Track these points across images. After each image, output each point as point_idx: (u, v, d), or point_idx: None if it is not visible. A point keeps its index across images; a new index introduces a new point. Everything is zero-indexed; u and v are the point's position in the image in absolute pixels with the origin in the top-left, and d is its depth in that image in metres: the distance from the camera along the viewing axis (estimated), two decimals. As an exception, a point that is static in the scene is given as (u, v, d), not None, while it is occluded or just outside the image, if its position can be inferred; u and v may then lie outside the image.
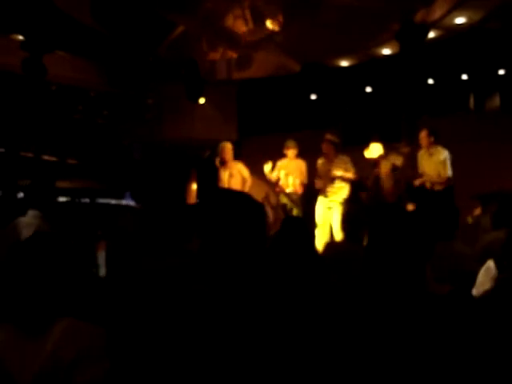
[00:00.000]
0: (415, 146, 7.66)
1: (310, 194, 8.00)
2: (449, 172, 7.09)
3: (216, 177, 7.98)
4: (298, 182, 7.92)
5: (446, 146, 7.84)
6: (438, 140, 7.30)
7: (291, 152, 8.02)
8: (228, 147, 7.99)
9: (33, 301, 1.72)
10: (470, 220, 7.20)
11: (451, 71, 9.40)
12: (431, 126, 7.48)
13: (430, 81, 9.61)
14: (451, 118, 9.04)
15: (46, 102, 9.85)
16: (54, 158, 10.83)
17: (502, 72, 8.98)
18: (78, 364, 1.61)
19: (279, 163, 8.07)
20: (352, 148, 8.52)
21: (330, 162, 7.74)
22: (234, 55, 9.16)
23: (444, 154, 7.14)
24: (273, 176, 7.97)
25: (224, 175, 7.94)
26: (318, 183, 7.74)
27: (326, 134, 7.97)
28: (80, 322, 1.72)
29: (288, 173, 7.95)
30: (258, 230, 1.60)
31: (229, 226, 1.57)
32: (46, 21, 7.51)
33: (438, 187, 7.11)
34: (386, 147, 7.94)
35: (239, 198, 1.69)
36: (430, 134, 7.27)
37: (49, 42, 7.80)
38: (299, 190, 7.94)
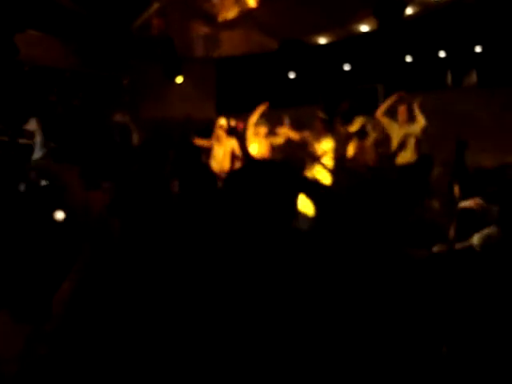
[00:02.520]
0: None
1: None
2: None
3: (199, 155, 7.95)
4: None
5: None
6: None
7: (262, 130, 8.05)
8: (220, 123, 7.95)
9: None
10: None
11: (428, 48, 9.42)
12: (408, 102, 7.57)
13: (408, 58, 9.62)
14: (429, 94, 9.07)
15: (20, 84, 9.64)
16: (29, 142, 10.64)
17: (478, 49, 9.02)
18: None
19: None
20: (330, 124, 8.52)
21: (316, 138, 7.79)
22: (211, 32, 9.07)
23: (422, 125, 7.26)
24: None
25: (218, 152, 7.92)
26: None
27: (317, 111, 7.99)
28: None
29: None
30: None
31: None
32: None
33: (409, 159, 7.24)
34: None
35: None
36: (408, 110, 7.36)
37: (20, 21, 7.61)
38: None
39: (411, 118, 7.37)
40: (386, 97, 9.17)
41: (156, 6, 8.20)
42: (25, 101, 9.82)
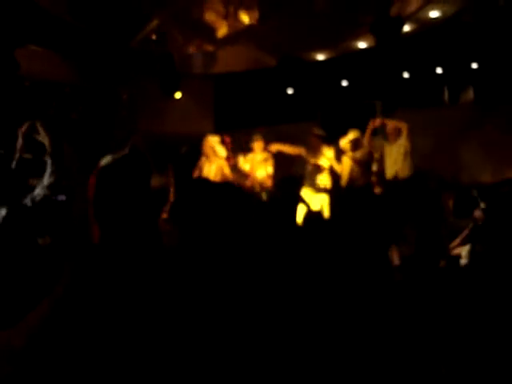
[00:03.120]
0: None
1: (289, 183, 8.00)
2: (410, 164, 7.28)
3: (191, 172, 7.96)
4: (264, 174, 7.97)
5: (420, 138, 8.02)
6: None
7: (257, 145, 8.07)
8: (209, 141, 7.96)
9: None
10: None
11: (426, 65, 9.49)
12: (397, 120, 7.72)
13: (405, 74, 9.68)
14: (426, 111, 9.12)
15: (20, 98, 9.67)
16: (28, 156, 10.65)
17: (475, 66, 9.08)
18: None
19: (247, 157, 8.12)
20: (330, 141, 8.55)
21: (313, 155, 7.82)
22: (209, 49, 9.13)
23: (406, 144, 7.34)
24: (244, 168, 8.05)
25: (207, 169, 7.93)
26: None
27: (312, 128, 8.03)
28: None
29: (254, 166, 8.03)
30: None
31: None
32: (18, 14, 7.37)
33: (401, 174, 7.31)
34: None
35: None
36: (396, 128, 7.49)
37: (21, 36, 7.66)
38: (267, 182, 7.97)
39: (399, 136, 7.47)
40: (383, 113, 9.24)
41: (155, 22, 8.27)
42: (24, 115, 9.84)
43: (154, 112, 10.16)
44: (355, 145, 7.68)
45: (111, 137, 10.39)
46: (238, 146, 8.29)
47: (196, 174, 7.90)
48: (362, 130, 7.89)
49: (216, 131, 10.85)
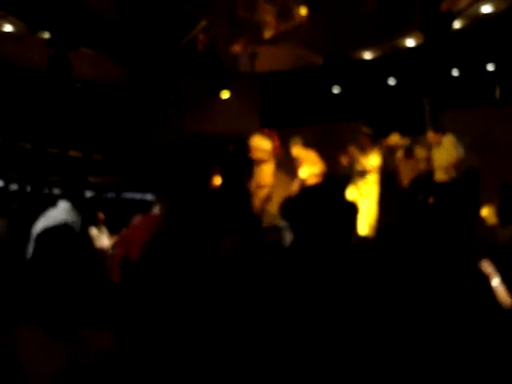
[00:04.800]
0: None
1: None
2: (461, 152, 7.14)
3: (242, 172, 8.01)
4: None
5: (470, 138, 7.86)
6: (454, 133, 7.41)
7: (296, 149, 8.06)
8: (254, 142, 8.01)
9: (57, 302, 1.71)
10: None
11: (476, 62, 9.23)
12: (437, 124, 7.61)
13: (455, 72, 9.45)
14: (476, 110, 8.88)
15: (71, 99, 9.97)
16: (79, 154, 10.96)
17: (528, 62, 8.79)
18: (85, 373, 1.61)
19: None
20: (377, 141, 8.46)
21: (363, 153, 7.77)
22: (257, 48, 9.15)
23: (451, 139, 7.25)
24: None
25: (264, 173, 7.99)
26: (344, 160, 7.76)
27: (362, 127, 7.99)
28: (97, 333, 1.71)
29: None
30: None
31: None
32: (72, 18, 7.60)
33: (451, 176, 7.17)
34: (410, 140, 7.94)
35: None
36: (436, 134, 7.41)
37: (74, 39, 7.90)
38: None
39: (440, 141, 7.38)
40: (432, 112, 9.05)
41: (203, 22, 8.36)
42: (76, 116, 10.14)
43: (200, 111, 10.27)
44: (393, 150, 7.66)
45: (158, 136, 10.59)
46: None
47: (253, 183, 7.93)
48: (410, 131, 7.80)
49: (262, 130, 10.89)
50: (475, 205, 7.10)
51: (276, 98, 11.20)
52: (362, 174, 7.69)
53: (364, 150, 7.75)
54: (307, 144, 8.18)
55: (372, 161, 7.64)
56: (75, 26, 7.68)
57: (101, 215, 7.87)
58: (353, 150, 7.80)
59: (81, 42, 8.22)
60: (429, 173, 7.48)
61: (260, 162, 7.92)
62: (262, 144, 8.02)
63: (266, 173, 7.91)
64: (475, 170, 7.94)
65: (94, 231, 7.65)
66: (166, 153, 10.52)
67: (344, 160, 7.76)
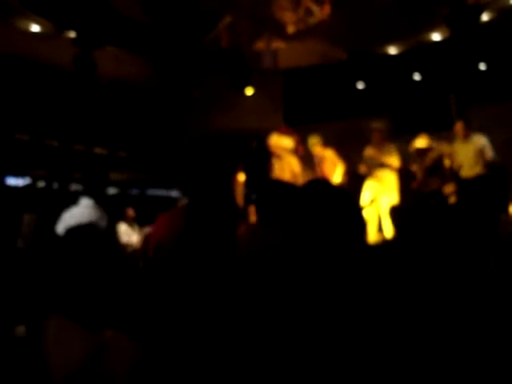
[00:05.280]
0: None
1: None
2: (491, 155, 7.00)
3: (266, 168, 7.98)
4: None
5: (498, 134, 7.71)
6: (481, 129, 7.25)
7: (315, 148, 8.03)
8: (273, 139, 7.95)
9: (86, 296, 1.72)
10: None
11: (504, 55, 9.04)
12: (466, 118, 7.40)
13: (482, 66, 9.28)
14: (504, 105, 8.72)
15: (97, 97, 10.09)
16: (104, 151, 11.10)
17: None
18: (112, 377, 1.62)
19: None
20: (402, 137, 8.37)
21: (377, 150, 7.65)
22: (280, 44, 9.13)
23: (481, 140, 7.05)
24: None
25: (276, 167, 7.94)
26: (363, 169, 7.71)
27: (372, 123, 7.89)
28: (125, 338, 1.71)
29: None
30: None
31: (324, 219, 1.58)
32: (97, 17, 7.69)
33: (478, 172, 7.03)
34: (436, 136, 7.81)
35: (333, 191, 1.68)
36: (465, 126, 7.20)
37: (99, 38, 7.98)
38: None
39: (468, 135, 7.22)
40: (458, 107, 8.91)
41: (228, 19, 8.36)
42: (101, 114, 10.27)
43: (224, 109, 10.30)
44: (422, 153, 7.52)
45: (183, 134, 10.65)
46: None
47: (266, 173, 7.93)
48: (436, 127, 7.69)
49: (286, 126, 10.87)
50: (503, 201, 6.99)
51: (300, 95, 11.16)
52: (381, 166, 7.61)
53: (377, 147, 7.66)
54: (329, 141, 8.15)
55: (384, 157, 7.55)
56: (100, 24, 7.76)
57: (130, 211, 7.97)
58: (367, 150, 7.73)
59: (106, 40, 8.29)
60: (453, 169, 7.37)
61: (280, 158, 7.88)
62: (281, 141, 7.98)
63: (288, 170, 7.87)
64: (502, 166, 7.79)
65: (123, 227, 7.73)
66: (190, 150, 10.59)
67: (362, 169, 7.73)
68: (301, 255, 1.54)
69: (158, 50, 8.76)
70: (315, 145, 7.97)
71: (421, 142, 7.49)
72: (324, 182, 1.72)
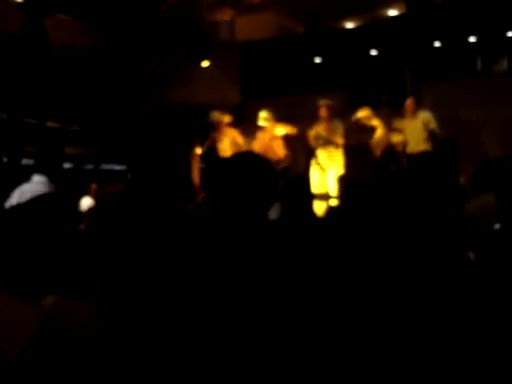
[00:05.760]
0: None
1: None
2: (434, 127, 7.21)
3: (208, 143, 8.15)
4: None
5: (451, 109, 7.91)
6: (433, 104, 7.47)
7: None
8: (216, 116, 8.14)
9: (30, 265, 1.66)
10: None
11: (458, 33, 9.20)
12: (419, 94, 7.56)
13: (437, 43, 9.42)
14: (457, 81, 8.90)
15: (48, 67, 9.73)
16: (57, 125, 10.77)
17: (510, 34, 8.78)
18: (65, 346, 1.56)
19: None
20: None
21: (325, 126, 7.78)
22: (237, 16, 9.01)
23: (426, 115, 7.29)
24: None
25: (220, 143, 8.10)
26: (312, 142, 7.84)
27: (320, 98, 7.97)
28: (72, 301, 1.65)
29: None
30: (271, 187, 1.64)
31: (243, 187, 1.60)
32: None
33: (425, 148, 7.23)
34: (391, 111, 7.94)
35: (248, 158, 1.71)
36: (415, 103, 7.43)
37: (48, 5, 7.66)
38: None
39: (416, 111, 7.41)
40: (413, 83, 9.05)
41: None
42: (53, 83, 9.93)
43: (180, 81, 10.13)
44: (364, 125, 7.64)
45: (139, 106, 10.44)
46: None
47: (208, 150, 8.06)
48: (391, 102, 7.80)
49: (243, 100, 10.81)
50: (454, 175, 7.19)
51: (257, 68, 11.08)
52: (327, 143, 7.74)
53: (324, 123, 7.77)
54: (284, 116, 8.19)
55: (334, 136, 7.68)
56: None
57: (94, 186, 8.05)
58: (316, 128, 7.83)
59: (56, 7, 7.97)
60: (402, 144, 7.53)
61: (223, 132, 8.06)
62: (221, 117, 8.18)
63: (232, 143, 8.05)
64: (453, 141, 7.97)
65: (87, 201, 7.73)
66: (146, 122, 10.37)
67: (311, 142, 7.83)
68: (233, 227, 1.57)
69: (110, 19, 8.50)
70: (265, 119, 8.00)
71: (361, 113, 7.61)
72: (247, 154, 1.77)
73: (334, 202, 7.17)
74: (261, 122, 7.99)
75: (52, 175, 3.77)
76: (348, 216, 3.22)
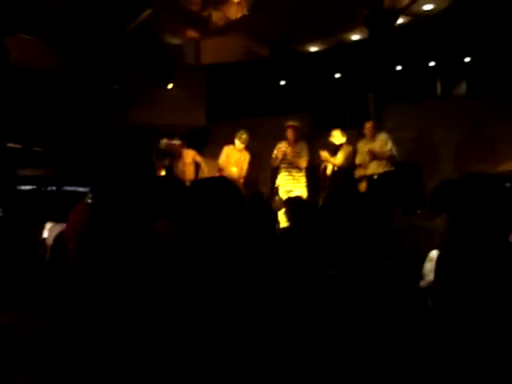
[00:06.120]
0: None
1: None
2: (390, 148, 7.42)
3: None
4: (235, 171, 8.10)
5: (413, 131, 8.09)
6: (395, 126, 7.67)
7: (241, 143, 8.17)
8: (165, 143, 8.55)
9: None
10: None
11: (419, 57, 9.46)
12: (381, 117, 8.07)
13: (398, 67, 9.66)
14: (419, 104, 9.12)
15: (9, 87, 9.55)
16: (17, 146, 10.54)
17: (468, 59, 9.08)
18: (15, 362, 1.55)
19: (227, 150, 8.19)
20: (322, 133, 8.57)
21: (290, 147, 7.89)
22: (202, 39, 9.06)
23: (384, 136, 7.52)
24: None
25: (178, 164, 8.24)
26: (275, 162, 7.91)
27: (287, 120, 8.10)
28: (22, 317, 1.65)
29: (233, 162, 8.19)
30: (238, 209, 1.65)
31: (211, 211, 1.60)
32: (8, 2, 7.28)
33: (384, 169, 7.38)
34: (354, 133, 8.08)
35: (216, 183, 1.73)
36: (374, 126, 7.67)
37: (11, 24, 7.56)
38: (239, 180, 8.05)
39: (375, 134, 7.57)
40: (376, 105, 9.23)
41: (148, 11, 8.18)
42: (13, 104, 9.74)
43: (145, 103, 10.08)
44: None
45: (102, 128, 10.33)
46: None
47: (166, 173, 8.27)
48: (355, 124, 7.93)
49: (208, 122, 10.83)
50: (417, 197, 7.32)
51: (222, 91, 11.13)
52: (291, 165, 7.85)
53: (291, 144, 7.90)
54: (251, 137, 8.26)
55: (298, 159, 7.80)
56: (12, 10, 7.35)
57: None
58: (280, 146, 7.93)
59: (18, 27, 7.87)
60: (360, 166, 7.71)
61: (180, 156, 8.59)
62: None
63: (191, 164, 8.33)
64: (416, 163, 8.14)
65: (48, 225, 7.52)
66: (109, 144, 10.27)
67: (275, 162, 7.90)
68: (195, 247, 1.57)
69: (74, 40, 8.44)
70: (244, 140, 8.11)
71: (336, 138, 7.79)
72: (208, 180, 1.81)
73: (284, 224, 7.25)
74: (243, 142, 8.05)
75: (5, 197, 3.68)
76: (295, 237, 3.28)
